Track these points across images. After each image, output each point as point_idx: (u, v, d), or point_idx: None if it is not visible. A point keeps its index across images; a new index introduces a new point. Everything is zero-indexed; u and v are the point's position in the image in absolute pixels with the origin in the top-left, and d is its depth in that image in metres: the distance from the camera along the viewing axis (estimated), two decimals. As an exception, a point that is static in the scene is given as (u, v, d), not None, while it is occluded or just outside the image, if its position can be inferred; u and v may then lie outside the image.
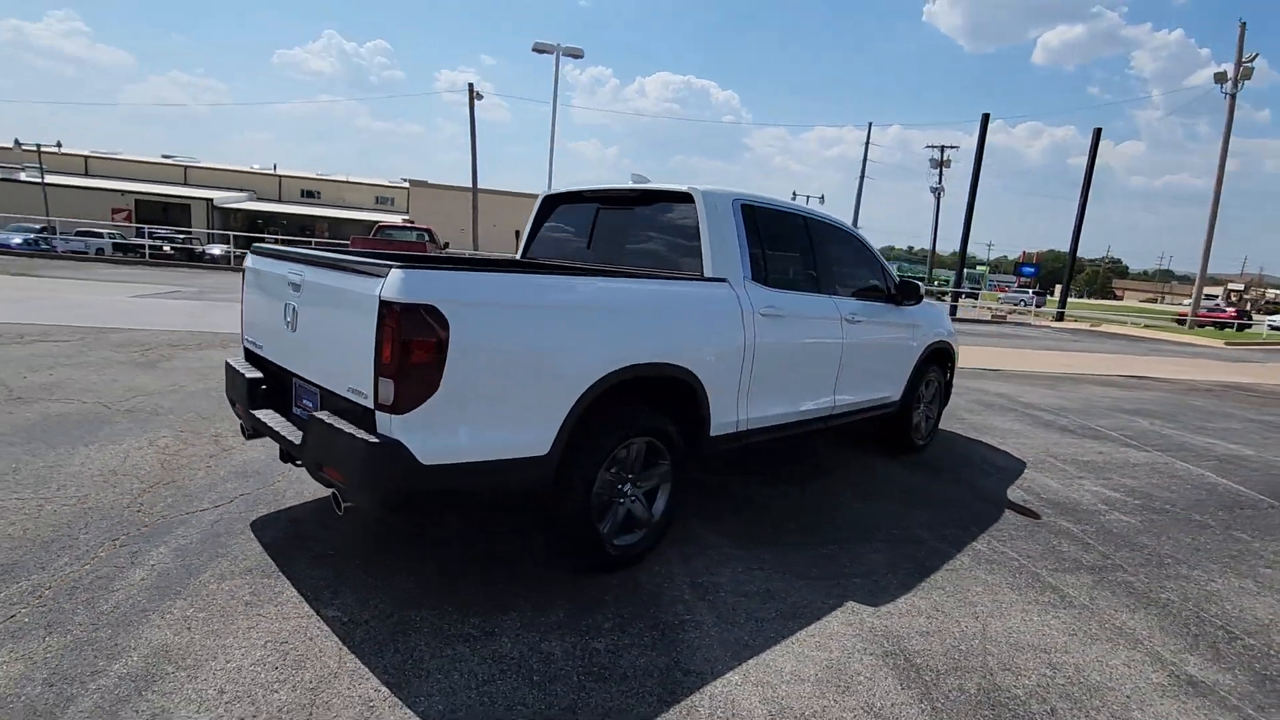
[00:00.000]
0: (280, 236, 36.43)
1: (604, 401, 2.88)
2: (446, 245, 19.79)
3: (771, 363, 3.69)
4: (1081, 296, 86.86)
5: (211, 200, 45.26)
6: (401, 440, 2.36)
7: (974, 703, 2.36)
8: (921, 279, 50.50)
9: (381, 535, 3.31)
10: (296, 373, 2.95)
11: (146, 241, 26.71)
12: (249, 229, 44.43)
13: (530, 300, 2.64)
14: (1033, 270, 53.19)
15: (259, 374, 3.23)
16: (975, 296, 31.94)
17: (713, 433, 3.43)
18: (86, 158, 52.09)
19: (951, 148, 35.86)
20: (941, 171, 35.89)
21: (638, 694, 2.28)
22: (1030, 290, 40.73)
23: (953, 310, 27.39)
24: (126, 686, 2.14)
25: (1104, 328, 26.89)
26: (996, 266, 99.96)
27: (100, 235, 27.83)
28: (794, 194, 42.16)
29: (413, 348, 2.33)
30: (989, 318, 27.54)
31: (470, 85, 24.15)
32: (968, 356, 12.23)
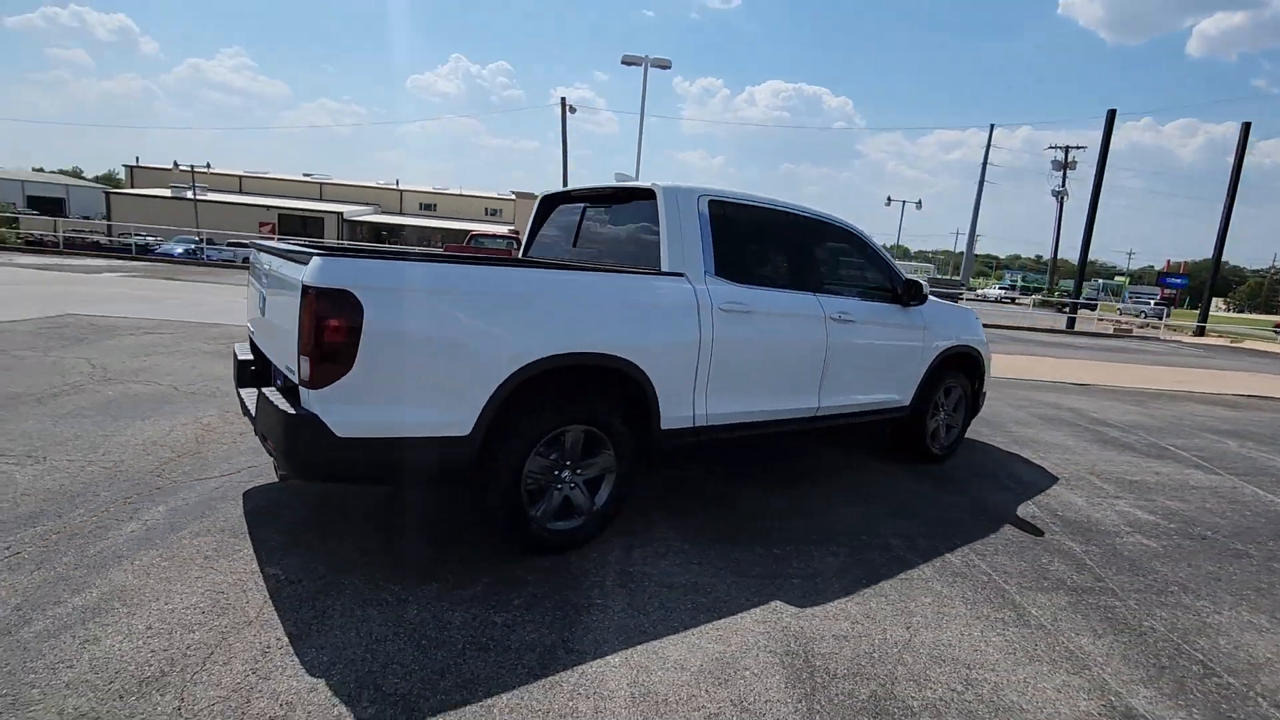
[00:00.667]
0: (399, 246, 39.29)
1: (532, 388, 2.99)
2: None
3: (736, 359, 3.66)
4: (1242, 310, 77.43)
5: (342, 214, 49.35)
6: (317, 413, 2.58)
7: (857, 709, 2.26)
8: (1040, 289, 46.88)
9: (351, 507, 3.57)
10: (266, 353, 3.26)
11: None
12: (374, 239, 48.09)
13: (447, 287, 2.79)
14: (1181, 281, 48.02)
15: (249, 357, 3.59)
16: (1093, 307, 29.25)
17: (665, 426, 3.45)
18: (241, 177, 58.34)
19: (1078, 148, 33.11)
20: (1065, 173, 33.22)
21: (511, 666, 2.36)
22: (1152, 301, 36.78)
23: (1070, 323, 25.27)
24: (76, 616, 2.46)
25: (1246, 344, 23.87)
26: (1139, 277, 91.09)
27: (247, 246, 31.05)
28: (888, 199, 40.24)
29: (327, 328, 2.54)
30: (1111, 331, 25.14)
31: (563, 99, 25.10)
32: (1050, 371, 11.33)
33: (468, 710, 2.13)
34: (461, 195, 58.67)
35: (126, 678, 2.16)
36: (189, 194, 49.36)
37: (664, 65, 21.30)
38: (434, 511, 3.59)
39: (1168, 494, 4.83)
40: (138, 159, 60.39)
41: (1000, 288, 55.35)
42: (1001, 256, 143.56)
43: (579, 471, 3.24)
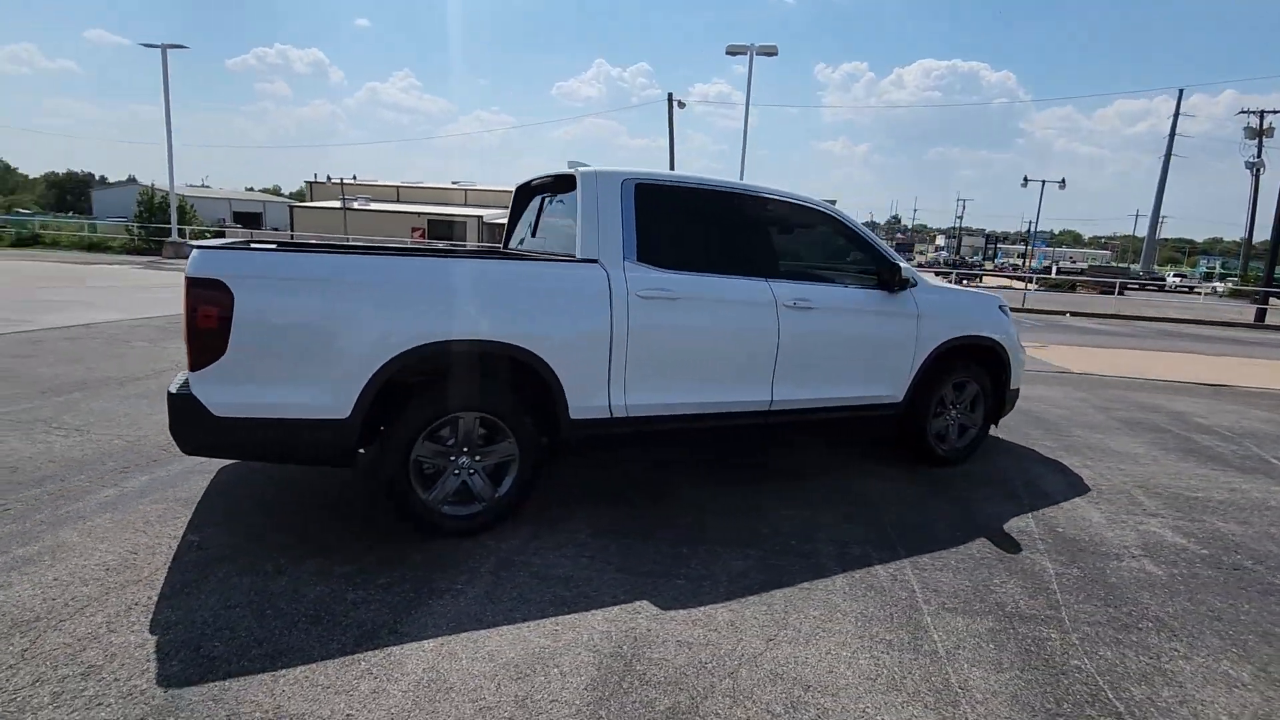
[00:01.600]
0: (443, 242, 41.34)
1: (416, 374, 3.05)
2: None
3: (661, 348, 3.51)
4: None
5: (481, 217, 52.70)
6: (195, 394, 2.80)
7: (644, 719, 2.11)
8: (1236, 275, 39.97)
9: (314, 488, 3.82)
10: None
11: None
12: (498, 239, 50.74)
13: (321, 276, 2.92)
14: None
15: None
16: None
17: (575, 416, 3.38)
18: (398, 187, 63.98)
19: (1274, 113, 27.95)
20: (1261, 141, 28.28)
21: (329, 642, 2.43)
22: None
23: (1260, 315, 21.53)
24: (7, 564, 2.85)
25: None
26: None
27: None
28: (1024, 179, 35.92)
29: (200, 314, 2.75)
30: (1318, 325, 21.04)
31: (670, 95, 25.09)
32: (1178, 370, 9.75)
33: (257, 679, 2.22)
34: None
35: (4, 620, 2.47)
36: (355, 204, 54.96)
37: (770, 52, 20.69)
38: (371, 489, 3.76)
39: (1227, 515, 4.01)
40: (315, 175, 68.03)
41: (1175, 275, 48.36)
42: (1199, 240, 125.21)
43: (478, 459, 3.27)
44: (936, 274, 39.63)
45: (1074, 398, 7.21)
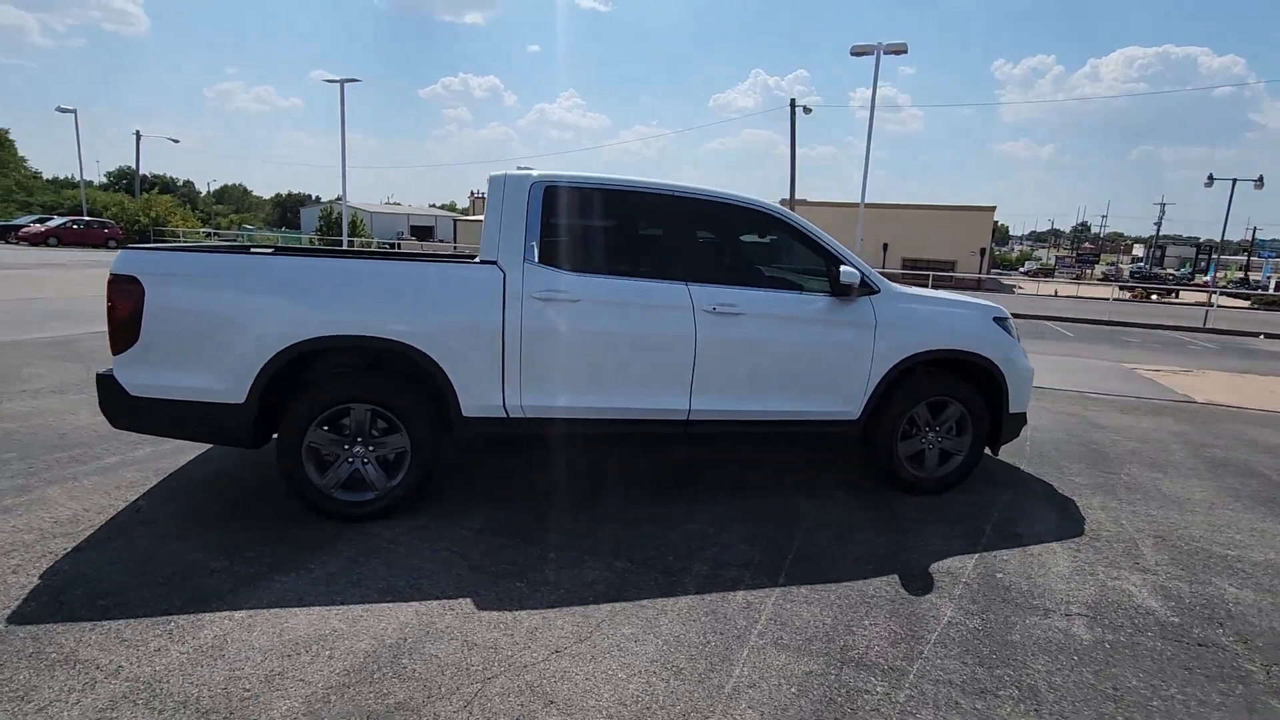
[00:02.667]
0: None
1: (308, 365, 3.28)
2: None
3: (559, 350, 3.49)
4: None
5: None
6: (115, 375, 3.20)
7: (351, 707, 2.12)
8: None
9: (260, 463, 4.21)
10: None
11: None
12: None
13: (221, 273, 3.23)
14: None
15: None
16: None
17: (467, 414, 3.45)
18: (550, 200, 67.91)
19: None
20: None
21: (163, 600, 2.67)
22: None
23: None
24: (-9, 510, 3.42)
25: None
26: None
27: None
28: (1209, 178, 29.64)
29: (117, 305, 3.15)
30: None
31: (792, 101, 24.29)
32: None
33: (79, 625, 2.49)
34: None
35: (-54, 554, 2.98)
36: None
37: (899, 50, 19.50)
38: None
39: (1247, 580, 3.22)
40: (473, 192, 73.86)
41: None
42: None
43: (371, 449, 3.43)
44: (1106, 285, 34.85)
45: (1166, 430, 6.11)
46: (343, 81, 29.00)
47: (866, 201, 20.58)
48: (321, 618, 2.61)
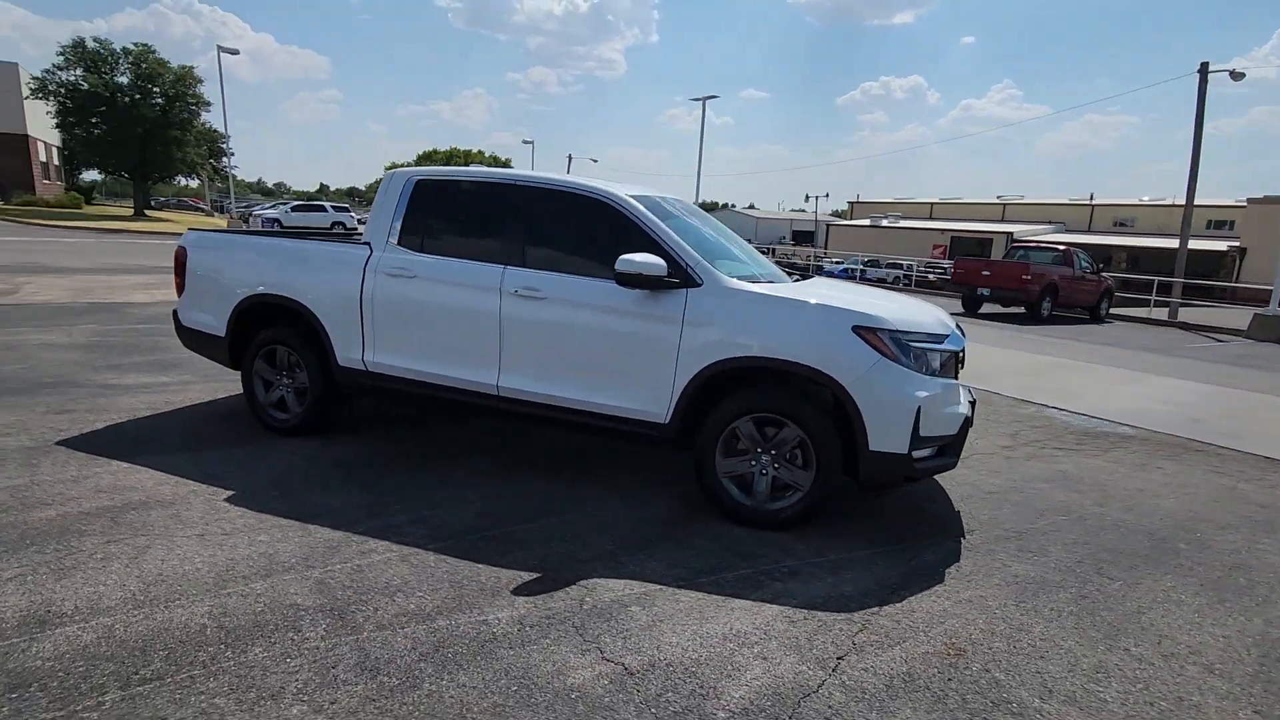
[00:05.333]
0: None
1: (255, 313, 4.55)
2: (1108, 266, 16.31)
3: (397, 317, 4.12)
4: None
5: (1011, 234, 47.57)
6: (177, 311, 4.94)
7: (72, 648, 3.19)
8: None
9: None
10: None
11: (914, 273, 31.94)
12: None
13: (221, 248, 4.70)
14: None
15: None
16: None
17: (341, 364, 4.31)
18: (932, 204, 62.85)
19: None
20: None
21: (81, 531, 3.96)
22: None
23: None
24: (97, 387, 5.55)
25: None
26: None
27: (899, 267, 33.89)
28: None
29: (176, 266, 4.87)
30: None
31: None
32: None
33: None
34: (1173, 205, 47.49)
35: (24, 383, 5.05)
36: (883, 222, 56.58)
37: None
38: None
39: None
40: (858, 195, 72.36)
41: None
42: None
43: (289, 381, 4.56)
44: None
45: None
46: (703, 100, 31.99)
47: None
48: (150, 481, 3.79)
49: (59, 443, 4.19)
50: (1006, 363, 9.32)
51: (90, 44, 33.47)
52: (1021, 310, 16.29)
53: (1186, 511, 4.17)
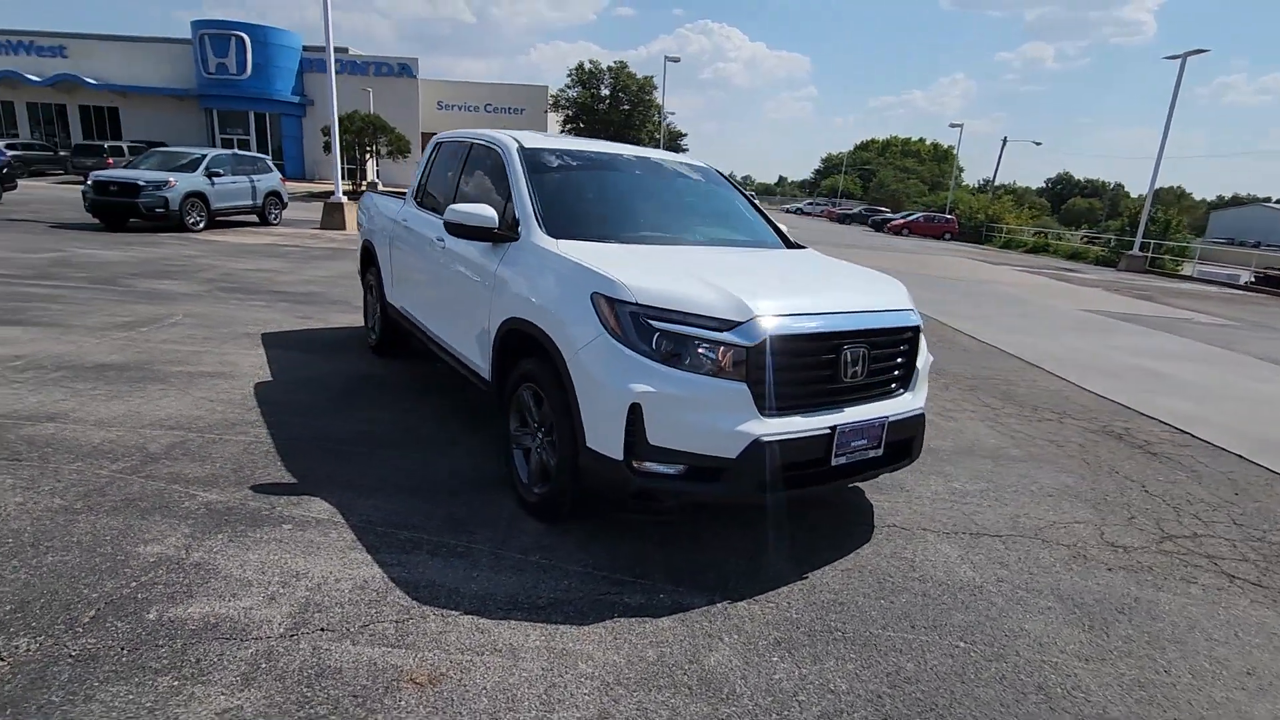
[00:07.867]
0: None
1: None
2: None
3: (401, 260, 4.84)
4: None
5: None
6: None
7: None
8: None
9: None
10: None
11: None
12: None
13: (366, 207, 6.06)
14: None
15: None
16: None
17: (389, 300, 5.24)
18: None
19: None
20: None
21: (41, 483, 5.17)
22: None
23: None
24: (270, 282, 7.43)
25: None
26: None
27: None
28: None
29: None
30: None
31: None
32: None
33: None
34: None
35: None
36: None
37: None
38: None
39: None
40: None
41: None
42: None
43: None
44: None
45: None
46: (1185, 56, 24.22)
47: None
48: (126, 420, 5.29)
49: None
50: None
51: (587, 66, 42.75)
52: None
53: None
